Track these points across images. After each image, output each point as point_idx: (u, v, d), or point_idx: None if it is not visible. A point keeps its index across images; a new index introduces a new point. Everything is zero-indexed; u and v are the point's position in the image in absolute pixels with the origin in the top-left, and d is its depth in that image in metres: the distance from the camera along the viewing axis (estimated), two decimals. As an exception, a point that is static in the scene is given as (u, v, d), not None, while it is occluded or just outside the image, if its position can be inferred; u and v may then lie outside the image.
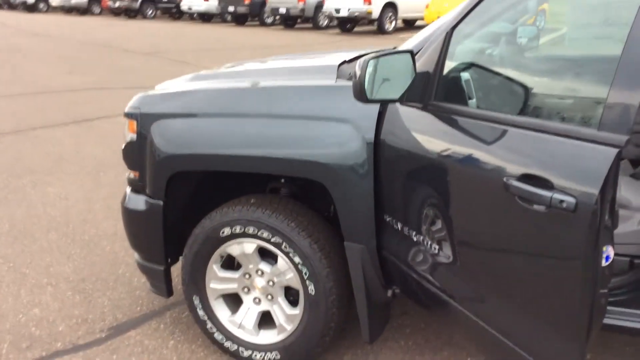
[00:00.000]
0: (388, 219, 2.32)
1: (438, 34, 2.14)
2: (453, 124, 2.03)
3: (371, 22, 20.03)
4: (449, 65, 2.14)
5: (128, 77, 11.01)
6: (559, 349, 1.70)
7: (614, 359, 2.67)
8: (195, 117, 2.61)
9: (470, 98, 2.18)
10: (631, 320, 2.10)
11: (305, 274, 2.46)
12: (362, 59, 1.96)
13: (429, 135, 2.11)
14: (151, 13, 29.06)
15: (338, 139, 2.29)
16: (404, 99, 2.10)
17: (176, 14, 28.60)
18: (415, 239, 2.21)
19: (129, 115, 2.73)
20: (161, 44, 16.63)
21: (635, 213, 2.39)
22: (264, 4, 23.18)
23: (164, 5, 28.65)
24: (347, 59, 2.72)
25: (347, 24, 20.63)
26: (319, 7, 21.07)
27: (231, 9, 23.91)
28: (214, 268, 2.68)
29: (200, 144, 2.55)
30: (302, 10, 21.39)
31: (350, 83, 2.38)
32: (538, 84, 2.50)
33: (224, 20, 26.28)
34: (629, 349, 2.64)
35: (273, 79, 2.69)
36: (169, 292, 2.90)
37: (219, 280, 2.70)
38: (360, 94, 1.97)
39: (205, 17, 26.76)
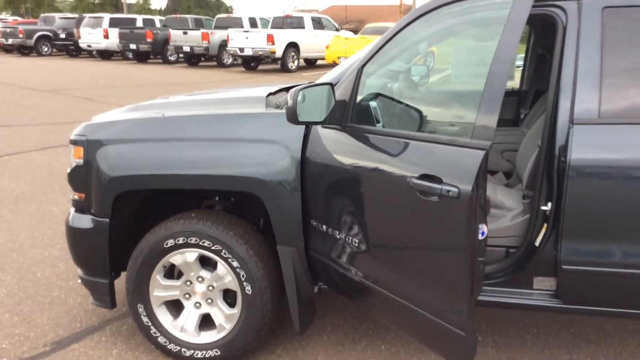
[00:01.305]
0: (314, 223, 2.76)
1: (351, 70, 2.66)
2: (366, 141, 2.53)
3: (275, 60, 20.77)
4: (360, 95, 2.66)
5: (33, 114, 10.81)
6: (454, 307, 2.21)
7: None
8: (138, 143, 2.93)
9: (378, 121, 2.72)
10: (507, 296, 2.68)
11: (243, 276, 2.83)
12: (293, 90, 2.43)
13: (347, 150, 2.59)
14: (47, 50, 28.09)
15: (271, 157, 2.72)
16: (326, 122, 2.59)
17: (74, 51, 27.89)
18: (338, 237, 2.66)
19: (75, 142, 3.00)
20: (62, 82, 16.32)
21: (508, 212, 2.99)
22: (166, 41, 23.31)
23: (61, 43, 27.82)
24: (272, 91, 3.19)
25: (252, 62, 21.23)
26: (223, 45, 21.55)
27: (133, 46, 23.83)
28: (158, 277, 2.97)
29: (144, 166, 2.87)
30: (207, 48, 21.78)
31: (278, 111, 2.85)
32: (430, 109, 3.09)
33: (125, 58, 26.02)
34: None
35: (208, 108, 3.09)
36: (113, 303, 3.14)
37: (162, 289, 3.00)
38: (293, 118, 2.44)
39: (105, 55, 26.35)
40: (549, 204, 2.53)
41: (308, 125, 2.68)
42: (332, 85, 2.59)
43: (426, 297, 2.33)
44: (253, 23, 23.24)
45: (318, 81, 2.81)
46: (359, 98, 2.66)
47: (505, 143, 4.01)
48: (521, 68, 4.64)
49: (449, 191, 2.12)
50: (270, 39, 19.44)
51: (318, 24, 21.97)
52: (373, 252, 2.54)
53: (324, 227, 2.72)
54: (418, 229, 2.29)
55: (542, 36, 4.05)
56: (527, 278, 2.67)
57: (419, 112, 2.91)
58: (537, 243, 2.60)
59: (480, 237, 2.14)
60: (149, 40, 23.36)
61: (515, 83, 4.87)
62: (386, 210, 2.43)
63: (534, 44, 4.35)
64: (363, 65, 2.63)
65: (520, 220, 2.84)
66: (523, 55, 4.66)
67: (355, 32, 24.66)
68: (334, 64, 18.62)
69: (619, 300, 2.56)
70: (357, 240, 2.58)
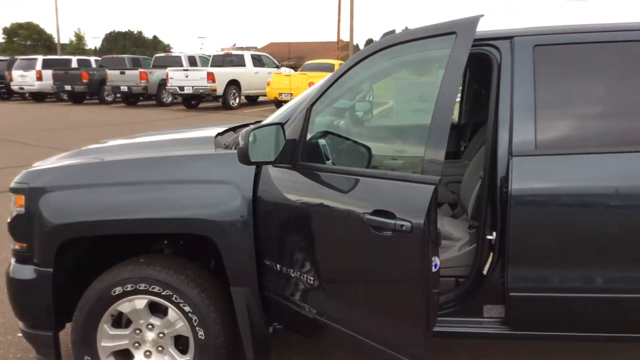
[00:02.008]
0: (268, 263, 2.75)
1: (300, 109, 2.71)
2: (317, 178, 2.57)
3: (216, 98, 20.74)
4: (310, 133, 2.71)
5: (-36, 159, 10.32)
6: (411, 339, 2.24)
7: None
8: (81, 188, 2.85)
9: (327, 158, 2.76)
10: (459, 326, 2.73)
11: (195, 320, 2.77)
12: (244, 130, 2.45)
13: (299, 188, 2.62)
14: (-23, 94, 27.00)
15: (221, 198, 2.70)
16: (278, 161, 2.61)
17: (5, 94, 26.92)
18: (293, 276, 2.66)
19: (16, 191, 2.89)
20: (-7, 125, 15.70)
21: (456, 243, 3.08)
22: (103, 82, 22.90)
23: (-9, 86, 26.81)
24: (220, 132, 3.19)
25: (192, 101, 21.12)
26: (162, 84, 21.36)
27: (68, 87, 23.28)
28: (105, 327, 2.87)
29: (89, 212, 2.79)
30: (145, 87, 21.54)
31: (228, 151, 2.85)
32: (377, 144, 3.18)
33: (60, 99, 25.34)
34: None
35: (156, 150, 3.05)
36: (58, 357, 2.99)
37: (110, 338, 2.89)
38: (245, 159, 2.45)
39: (38, 97, 25.58)
40: (494, 233, 2.62)
41: (259, 165, 2.70)
42: (282, 125, 2.63)
43: (382, 331, 2.36)
44: (192, 61, 23.19)
45: (267, 121, 2.84)
46: (308, 136, 2.70)
47: (448, 175, 4.14)
48: (459, 102, 4.85)
49: (402, 226, 2.17)
50: (211, 77, 19.45)
51: (258, 61, 22.18)
52: (328, 288, 2.55)
53: (278, 266, 2.71)
54: (372, 263, 2.32)
55: (478, 72, 4.25)
56: (477, 306, 2.74)
57: (367, 148, 2.99)
58: (484, 272, 2.68)
59: (433, 269, 2.19)
60: (84, 81, 22.88)
61: (454, 117, 5.06)
62: (339, 247, 2.46)
63: (470, 79, 4.56)
64: (312, 104, 2.68)
65: (468, 250, 2.92)
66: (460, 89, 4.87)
67: (295, 68, 25.03)
68: (275, 100, 18.79)
69: (566, 324, 2.65)
70: (311, 278, 2.58)
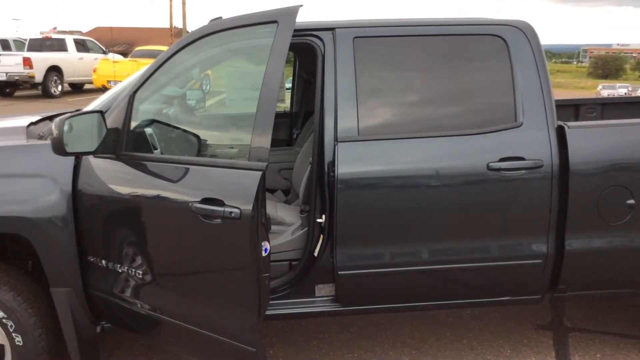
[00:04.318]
0: (93, 260, 2.59)
1: (122, 97, 2.57)
2: (144, 169, 2.47)
3: (34, 86, 18.93)
4: (134, 122, 2.59)
5: None
6: (244, 325, 2.26)
7: None
8: None
9: (155, 148, 2.67)
10: (292, 307, 2.82)
11: (11, 327, 2.53)
12: (58, 119, 2.27)
13: (123, 180, 2.50)
14: None
15: (35, 193, 2.49)
16: (99, 152, 2.46)
17: None
18: (122, 272, 2.53)
19: None
20: None
21: (289, 227, 3.16)
22: None
23: None
24: (33, 121, 2.93)
25: (7, 89, 19.07)
26: (-31, 70, 18.97)
27: None
28: None
29: None
30: (-53, 74, 18.97)
31: (41, 142, 2.63)
32: (208, 133, 3.14)
33: None
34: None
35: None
36: None
37: None
38: (59, 149, 2.27)
39: None
40: (324, 216, 2.74)
41: (78, 156, 2.52)
42: (102, 112, 2.48)
43: (216, 320, 2.35)
44: (5, 45, 20.89)
45: (87, 109, 2.67)
46: (133, 125, 2.58)
47: (281, 162, 4.23)
48: (290, 91, 4.96)
49: (231, 212, 2.17)
50: (28, 62, 17.67)
51: (82, 46, 20.61)
52: (159, 282, 2.47)
53: (104, 262, 2.57)
54: (203, 253, 2.30)
55: (306, 62, 4.38)
56: (310, 287, 2.85)
57: (197, 136, 2.94)
58: (315, 253, 2.79)
59: (263, 253, 2.23)
60: None
61: (287, 105, 5.17)
62: (169, 238, 2.40)
63: (299, 69, 4.68)
64: (135, 92, 2.56)
65: (300, 234, 3.02)
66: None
67: (125, 55, 23.74)
68: (103, 88, 17.63)
69: (391, 296, 2.87)
70: (140, 272, 2.49)
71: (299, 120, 4.62)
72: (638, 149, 2.75)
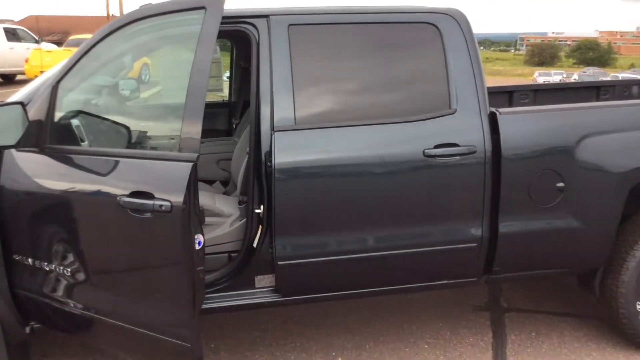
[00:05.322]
0: (18, 258, 2.47)
1: (45, 87, 2.45)
2: (70, 162, 2.36)
3: (-40, 77, 17.97)
4: (59, 113, 2.47)
5: None
6: (178, 321, 2.21)
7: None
8: None
9: (83, 140, 2.56)
10: (232, 299, 2.78)
11: None
12: (-28, 111, 2.13)
13: (48, 174, 2.38)
14: None
15: (-47, 189, 2.35)
16: (21, 145, 2.33)
17: None
18: (49, 270, 2.43)
19: None
20: None
21: (228, 219, 3.11)
22: None
23: None
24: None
25: None
26: None
27: None
28: None
29: None
30: None
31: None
32: (139, 124, 3.04)
33: None
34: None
35: None
36: None
37: None
38: (-26, 143, 2.14)
39: None
40: (262, 207, 2.70)
41: (-1, 149, 2.39)
42: (22, 104, 2.35)
43: (150, 317, 2.29)
44: None
45: (7, 100, 2.52)
46: (57, 117, 2.47)
47: (219, 153, 4.15)
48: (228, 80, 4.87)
49: (161, 206, 2.11)
50: (-48, 52, 16.75)
51: (13, 35, 19.65)
52: (91, 279, 2.39)
53: (31, 260, 2.45)
54: (135, 248, 2.23)
55: (243, 50, 4.30)
56: (249, 278, 2.81)
57: (127, 128, 2.84)
58: (255, 244, 2.75)
59: (197, 247, 2.18)
60: None
61: (225, 95, 5.08)
62: (99, 234, 2.31)
63: (237, 57, 4.60)
64: (58, 82, 2.45)
65: (239, 225, 2.97)
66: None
67: (59, 44, 22.82)
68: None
69: (332, 285, 2.86)
70: (70, 270, 2.39)
71: (237, 110, 4.55)
72: (567, 133, 2.84)
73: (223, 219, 3.11)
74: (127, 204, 2.17)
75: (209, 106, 4.76)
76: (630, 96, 4.56)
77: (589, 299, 3.44)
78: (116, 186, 2.23)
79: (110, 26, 2.50)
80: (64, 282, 2.44)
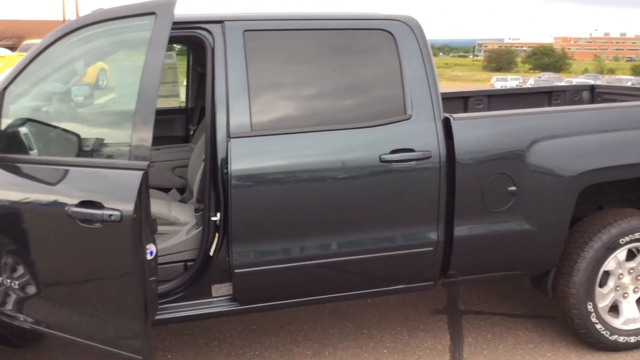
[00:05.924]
0: (-36, 271, 2.38)
1: (-10, 94, 2.37)
2: (17, 172, 2.29)
3: None
4: (6, 120, 2.40)
5: None
6: (129, 333, 2.16)
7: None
8: None
9: (31, 149, 2.48)
10: (188, 309, 2.74)
11: None
12: None
13: (-6, 184, 2.30)
14: None
15: None
16: (-35, 154, 2.25)
17: None
18: (-4, 283, 2.35)
19: None
20: None
21: (183, 227, 3.06)
22: None
23: None
24: None
25: None
26: None
27: None
28: None
29: None
30: None
31: None
32: (91, 132, 2.97)
33: None
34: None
35: None
36: None
37: None
38: None
39: None
40: (218, 214, 2.67)
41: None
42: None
43: (101, 330, 2.24)
44: None
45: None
46: (4, 124, 2.39)
47: (176, 160, 4.09)
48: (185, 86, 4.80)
49: (110, 215, 2.07)
50: None
51: (-37, 39, 19.05)
52: (41, 293, 2.31)
53: (-24, 273, 2.37)
54: (84, 259, 2.17)
55: (199, 56, 4.26)
56: (206, 287, 2.77)
57: (77, 135, 2.77)
58: (211, 253, 2.72)
59: (149, 257, 2.14)
60: None
61: (182, 101, 5.02)
62: (48, 245, 2.25)
63: (194, 63, 4.55)
64: (5, 88, 2.38)
65: (195, 233, 2.93)
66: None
67: (13, 49, 22.19)
68: (-12, 85, 16.36)
69: (290, 292, 2.85)
70: (19, 283, 2.31)
71: (194, 116, 4.50)
72: (517, 138, 2.90)
73: (179, 227, 3.07)
74: (76, 214, 2.11)
75: (166, 112, 4.71)
76: (580, 101, 4.70)
77: (544, 301, 3.52)
78: (65, 195, 2.17)
79: (60, 30, 2.45)
80: (13, 296, 2.37)
